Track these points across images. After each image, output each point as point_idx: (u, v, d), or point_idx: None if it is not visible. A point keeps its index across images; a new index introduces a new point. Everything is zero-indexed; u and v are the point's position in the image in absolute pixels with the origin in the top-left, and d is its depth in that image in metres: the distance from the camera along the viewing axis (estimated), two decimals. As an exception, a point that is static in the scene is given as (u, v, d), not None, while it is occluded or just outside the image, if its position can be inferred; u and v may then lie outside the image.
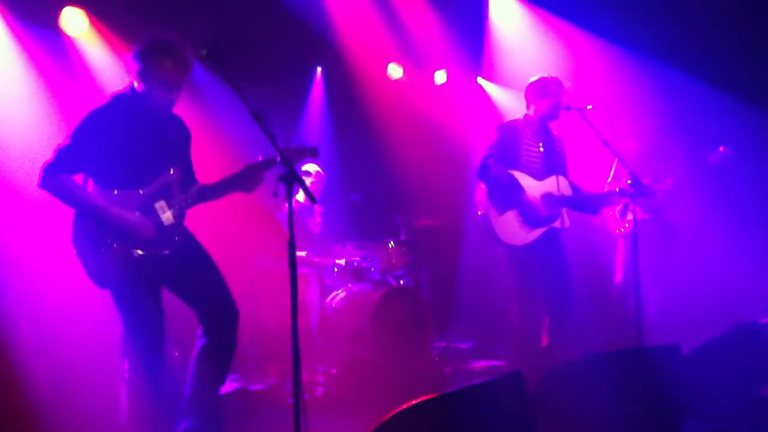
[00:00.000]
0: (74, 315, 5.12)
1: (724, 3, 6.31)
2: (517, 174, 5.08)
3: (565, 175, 5.27)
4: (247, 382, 5.91)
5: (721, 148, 5.55)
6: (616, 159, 5.43)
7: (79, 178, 3.86)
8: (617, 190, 5.11)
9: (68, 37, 6.13)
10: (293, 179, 3.39)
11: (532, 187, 5.09)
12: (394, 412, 2.91)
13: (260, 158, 4.03)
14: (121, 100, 3.93)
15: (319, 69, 8.20)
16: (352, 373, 5.95)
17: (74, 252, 3.81)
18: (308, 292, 6.25)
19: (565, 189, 5.21)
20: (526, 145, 5.17)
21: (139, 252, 3.81)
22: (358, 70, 7.77)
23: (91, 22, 6.15)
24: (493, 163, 5.02)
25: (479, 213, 5.18)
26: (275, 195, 3.38)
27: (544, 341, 5.12)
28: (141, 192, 3.86)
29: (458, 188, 7.50)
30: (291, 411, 3.25)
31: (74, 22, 6.08)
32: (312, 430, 3.34)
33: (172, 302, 4.00)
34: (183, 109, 4.22)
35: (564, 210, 5.21)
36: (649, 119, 6.22)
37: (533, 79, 5.30)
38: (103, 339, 4.80)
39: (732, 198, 6.28)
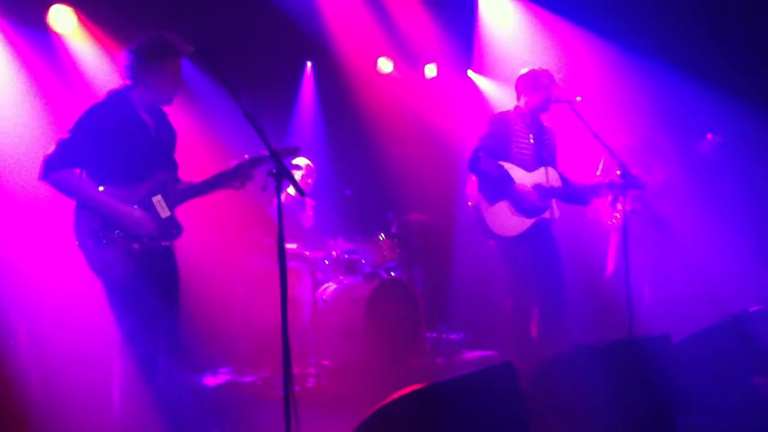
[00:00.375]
0: (67, 314, 5.12)
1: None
2: (508, 165, 5.09)
3: (554, 166, 5.29)
4: (240, 375, 5.93)
5: (710, 136, 5.56)
6: (606, 151, 5.45)
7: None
8: (607, 181, 5.13)
9: (56, 35, 6.10)
10: (282, 174, 3.40)
11: (523, 178, 5.11)
12: (384, 402, 2.93)
13: (247, 157, 4.11)
14: (117, 97, 3.99)
15: (309, 64, 8.19)
16: (343, 366, 5.97)
17: (76, 244, 3.85)
18: (300, 285, 6.27)
19: (555, 180, 5.23)
20: (516, 137, 5.18)
21: (137, 246, 3.87)
22: (348, 64, 7.76)
23: (80, 19, 6.13)
24: (484, 155, 5.02)
25: (470, 204, 5.20)
26: (264, 189, 3.40)
27: (534, 332, 5.13)
28: (139, 187, 3.93)
29: (449, 181, 7.50)
30: (282, 403, 3.26)
31: (62, 19, 6.06)
32: (303, 422, 3.34)
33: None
34: (174, 105, 4.24)
35: (553, 201, 5.23)
36: (638, 111, 6.24)
37: (524, 71, 5.31)
38: (96, 338, 4.80)
39: (722, 189, 6.31)
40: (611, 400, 3.65)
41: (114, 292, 3.87)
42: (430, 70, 8.26)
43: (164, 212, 4.00)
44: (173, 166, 4.16)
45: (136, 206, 3.89)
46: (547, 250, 5.20)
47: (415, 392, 2.97)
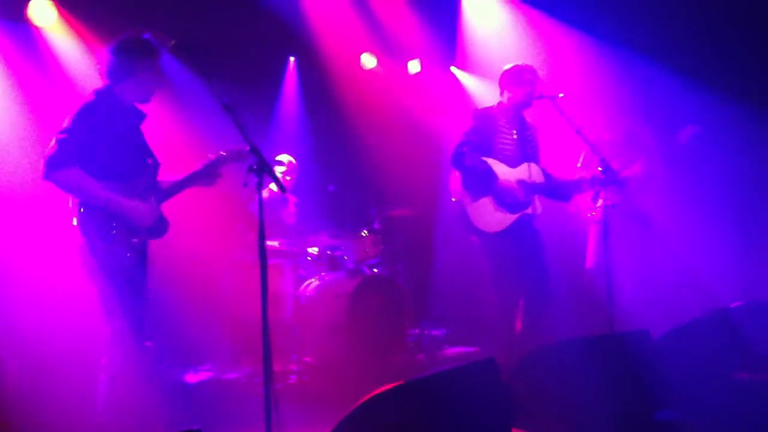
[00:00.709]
0: (52, 313, 5.08)
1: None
2: (491, 161, 5.09)
3: (537, 162, 5.30)
4: (221, 372, 5.91)
5: (689, 128, 5.59)
6: (587, 146, 5.46)
7: None
8: (589, 177, 5.14)
9: (36, 28, 6.05)
10: (263, 170, 3.39)
11: (506, 174, 5.11)
12: (366, 399, 2.92)
13: (212, 156, 4.25)
14: (107, 95, 4.04)
15: (291, 59, 8.17)
16: (326, 362, 5.97)
17: (83, 240, 3.88)
18: (282, 282, 6.25)
19: (537, 176, 5.23)
20: (500, 133, 5.18)
21: (136, 240, 4.00)
22: (332, 60, 7.75)
23: (60, 12, 6.08)
24: (468, 150, 5.01)
25: (453, 200, 5.20)
26: (245, 185, 3.39)
27: (518, 327, 5.14)
28: (135, 183, 4.04)
29: (432, 177, 7.50)
30: (263, 400, 3.25)
31: (42, 12, 6.00)
32: (285, 419, 3.34)
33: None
34: (155, 100, 4.25)
35: (536, 197, 5.24)
36: (618, 104, 6.26)
37: (507, 66, 5.31)
38: (79, 337, 4.77)
39: (703, 181, 6.33)
40: (592, 394, 3.66)
41: (117, 285, 3.92)
42: (414, 66, 8.26)
43: (156, 209, 4.14)
44: (157, 163, 4.24)
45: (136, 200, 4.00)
46: (531, 246, 5.21)
47: (396, 388, 2.96)
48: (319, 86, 7.94)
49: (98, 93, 4.03)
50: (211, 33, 6.55)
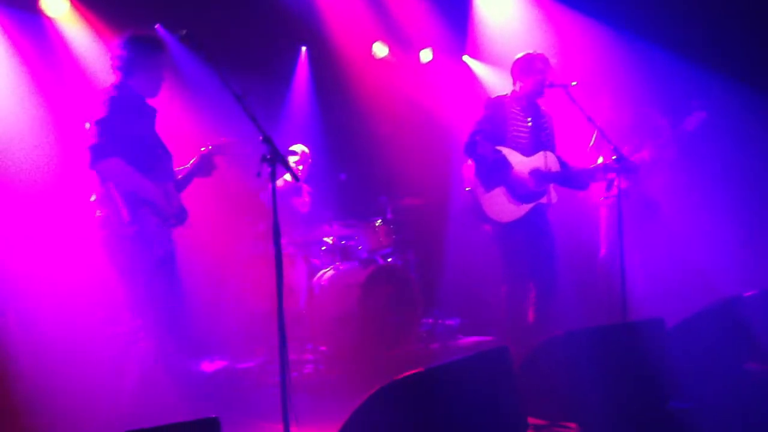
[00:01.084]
0: (65, 310, 5.10)
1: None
2: (505, 150, 5.07)
3: (553, 150, 5.28)
4: (236, 361, 5.93)
5: (696, 112, 5.55)
6: (599, 133, 5.44)
7: None
8: (603, 165, 5.12)
9: (49, 19, 6.06)
10: (276, 160, 3.40)
11: (520, 163, 5.10)
12: (380, 387, 2.93)
13: (204, 150, 4.40)
14: (127, 89, 4.12)
15: (303, 49, 8.15)
16: (340, 352, 5.98)
17: (133, 229, 3.96)
18: (295, 272, 6.27)
19: (553, 164, 5.22)
20: (513, 121, 5.17)
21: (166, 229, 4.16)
22: (343, 49, 7.74)
23: (72, 3, 6.09)
24: (481, 139, 5.00)
25: (467, 189, 5.19)
26: (258, 175, 3.39)
27: (531, 317, 5.14)
28: (161, 173, 4.16)
29: (444, 166, 7.49)
30: (279, 389, 3.27)
31: (55, 3, 6.01)
32: (300, 408, 3.36)
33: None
34: (165, 90, 4.28)
35: (551, 186, 5.22)
36: (627, 91, 6.22)
37: (519, 55, 5.29)
38: (92, 332, 4.81)
39: (712, 169, 6.30)
40: (604, 383, 3.67)
41: (163, 273, 4.06)
42: (426, 55, 8.23)
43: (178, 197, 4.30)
44: (169, 153, 4.33)
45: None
46: (543, 236, 5.20)
47: (410, 377, 2.98)
48: (331, 76, 7.93)
49: (121, 87, 4.10)
50: (222, 23, 6.55)
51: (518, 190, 5.07)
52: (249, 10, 6.94)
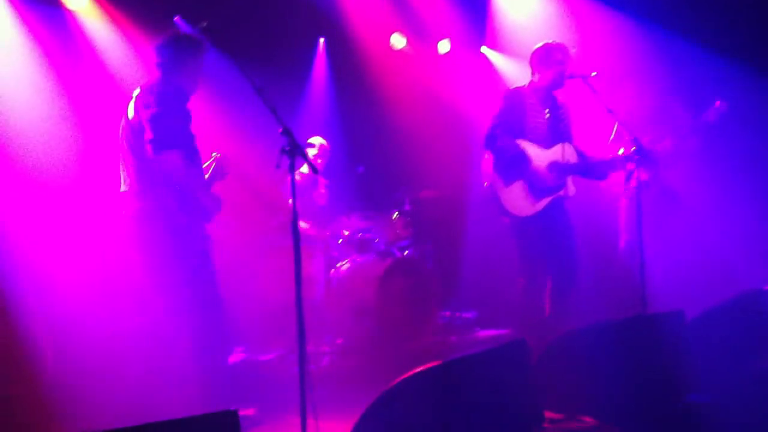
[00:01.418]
0: (94, 302, 5.14)
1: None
2: (524, 143, 5.06)
3: (570, 142, 5.25)
4: (255, 353, 5.96)
5: (717, 103, 5.50)
6: (618, 124, 5.40)
7: None
8: (623, 156, 5.09)
9: (69, 12, 6.10)
10: (296, 152, 3.40)
11: (539, 156, 5.08)
12: (398, 380, 2.94)
13: (214, 162, 4.51)
14: (167, 86, 4.16)
15: (321, 40, 8.15)
16: (357, 344, 6.00)
17: (183, 220, 4.08)
18: (313, 264, 6.28)
19: (571, 156, 5.19)
20: (531, 113, 5.15)
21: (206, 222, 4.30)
22: (361, 40, 7.73)
23: (93, -4, 6.13)
24: (501, 133, 4.99)
25: (485, 184, 5.17)
26: (277, 167, 3.40)
27: (548, 310, 5.13)
28: (199, 170, 4.28)
29: (462, 158, 7.48)
30: (297, 380, 3.28)
31: (75, -4, 6.06)
32: (318, 399, 3.37)
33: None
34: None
35: (570, 178, 5.20)
36: (648, 81, 6.18)
37: (538, 46, 5.25)
38: (123, 329, 4.84)
39: (732, 160, 6.25)
40: (623, 376, 3.65)
41: (199, 263, 4.14)
42: (444, 46, 8.20)
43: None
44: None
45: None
46: (562, 229, 5.18)
47: (428, 370, 2.98)
48: (349, 67, 7.92)
49: (163, 83, 4.15)
50: (240, 15, 6.56)
51: (537, 185, 5.06)
52: (267, 1, 6.94)
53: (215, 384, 4.08)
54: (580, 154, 5.25)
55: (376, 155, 7.61)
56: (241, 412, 2.60)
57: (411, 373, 2.97)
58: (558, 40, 5.28)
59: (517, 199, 5.06)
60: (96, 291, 5.14)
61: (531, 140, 5.08)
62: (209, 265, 4.22)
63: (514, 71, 7.49)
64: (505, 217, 5.20)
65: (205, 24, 3.86)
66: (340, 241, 6.59)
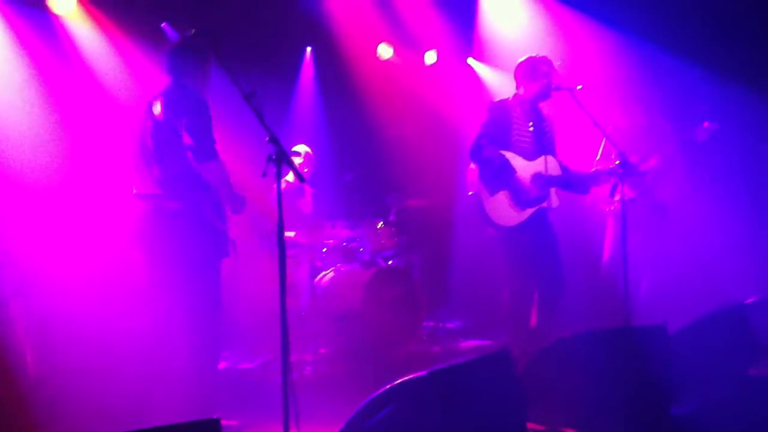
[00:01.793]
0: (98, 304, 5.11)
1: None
2: (509, 154, 5.08)
3: (554, 154, 5.28)
4: (237, 361, 5.94)
5: (706, 124, 5.56)
6: (605, 138, 5.43)
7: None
8: (606, 169, 5.13)
9: (56, 17, 6.07)
10: (282, 160, 3.40)
11: (523, 167, 5.10)
12: (381, 389, 2.94)
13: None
14: (183, 89, 4.16)
15: (308, 49, 8.17)
16: (341, 352, 5.99)
17: (221, 227, 4.13)
18: (298, 272, 6.27)
19: (554, 169, 5.22)
20: (516, 125, 5.17)
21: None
22: (348, 50, 7.74)
23: (80, 1, 6.10)
24: (486, 143, 5.01)
25: (470, 193, 5.19)
26: (264, 175, 3.39)
27: (533, 321, 5.14)
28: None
29: (449, 168, 7.49)
30: (280, 389, 3.27)
31: (62, 0, 6.02)
32: (301, 408, 3.36)
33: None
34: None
35: (553, 190, 5.22)
36: (636, 97, 6.23)
37: (522, 59, 5.28)
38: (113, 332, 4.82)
39: (720, 176, 6.30)
40: (607, 388, 3.67)
41: (216, 267, 4.18)
42: (430, 57, 8.24)
43: None
44: None
45: None
46: (546, 240, 5.20)
47: (412, 379, 2.98)
48: (336, 76, 7.93)
49: (179, 87, 4.17)
50: (228, 23, 6.56)
51: (521, 196, 5.08)
52: (255, 10, 6.94)
53: (206, 390, 4.06)
54: (563, 168, 5.28)
55: (362, 164, 7.61)
56: (224, 422, 2.58)
57: (395, 382, 2.97)
58: (544, 53, 5.31)
59: (502, 209, 5.08)
60: (89, 292, 5.11)
61: (515, 152, 5.11)
62: (221, 268, 4.27)
63: (499, 83, 7.53)
64: (489, 227, 5.22)
65: (193, 31, 3.84)
66: (325, 249, 6.58)
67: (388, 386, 2.97)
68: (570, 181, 5.27)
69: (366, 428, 2.92)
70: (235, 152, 5.73)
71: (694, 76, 6.26)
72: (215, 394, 4.20)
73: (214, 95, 5.22)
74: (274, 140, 3.41)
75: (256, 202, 6.31)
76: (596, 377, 3.70)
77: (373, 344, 5.96)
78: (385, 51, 8.08)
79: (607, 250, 6.00)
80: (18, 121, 5.55)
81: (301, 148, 6.73)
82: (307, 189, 6.83)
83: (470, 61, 8.17)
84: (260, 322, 5.97)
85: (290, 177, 6.49)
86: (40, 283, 5.04)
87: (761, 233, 6.39)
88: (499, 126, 5.12)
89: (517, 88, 5.29)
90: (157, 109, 4.13)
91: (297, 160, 6.60)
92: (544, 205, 5.17)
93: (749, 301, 4.49)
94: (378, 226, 6.61)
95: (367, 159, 7.81)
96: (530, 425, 3.70)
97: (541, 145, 5.21)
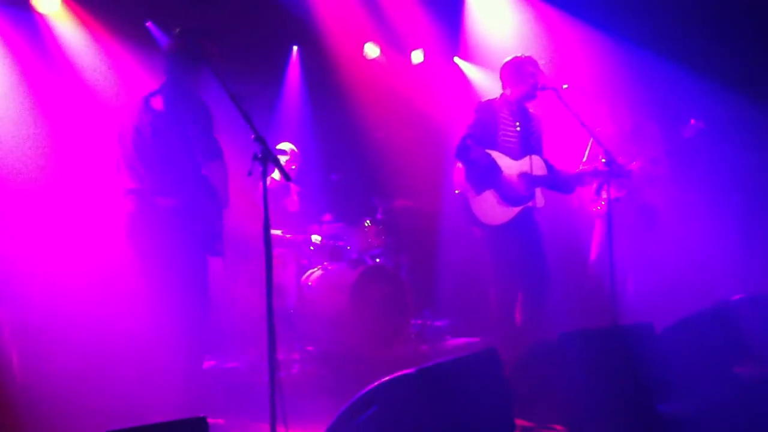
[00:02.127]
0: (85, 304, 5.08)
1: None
2: (495, 154, 5.09)
3: (540, 154, 5.29)
4: (224, 361, 5.92)
5: (693, 122, 5.57)
6: (592, 138, 5.45)
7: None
8: (592, 169, 5.14)
9: (40, 16, 6.03)
10: (268, 158, 3.38)
11: (509, 167, 5.11)
12: (369, 388, 2.93)
13: None
14: (177, 88, 4.16)
15: (295, 48, 8.15)
16: (328, 352, 5.98)
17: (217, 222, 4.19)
18: (284, 271, 6.25)
19: (540, 168, 5.23)
20: (503, 125, 5.18)
21: None
22: (335, 49, 7.73)
23: (64, 0, 6.07)
24: (472, 143, 5.02)
25: (456, 192, 5.20)
26: (249, 174, 3.38)
27: (520, 320, 5.15)
28: None
29: (435, 168, 7.49)
30: (267, 388, 3.26)
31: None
32: (289, 407, 3.35)
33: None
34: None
35: (539, 190, 5.23)
36: (623, 97, 6.24)
37: (507, 59, 5.28)
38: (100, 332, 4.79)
39: (707, 176, 6.33)
40: (594, 386, 3.68)
41: (204, 265, 4.17)
42: (417, 56, 8.23)
43: None
44: None
45: None
46: (532, 239, 5.21)
47: (400, 378, 2.97)
48: (322, 75, 7.93)
49: (180, 88, 4.15)
50: (213, 22, 6.52)
51: (508, 194, 5.08)
52: (240, 9, 6.92)
53: (193, 388, 4.04)
54: (549, 167, 5.29)
55: (349, 163, 7.61)
56: (211, 420, 2.57)
57: (382, 380, 2.96)
58: (530, 53, 5.32)
59: (488, 208, 5.09)
60: (75, 292, 5.07)
61: (501, 152, 5.12)
62: (210, 267, 4.26)
63: (486, 82, 7.53)
64: (476, 227, 5.22)
65: (178, 30, 3.82)
66: (312, 248, 6.57)
67: (375, 384, 2.96)
68: (556, 181, 5.28)
69: (353, 426, 2.91)
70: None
71: (680, 77, 6.28)
72: (202, 393, 4.18)
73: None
74: (259, 139, 3.40)
75: (242, 201, 6.30)
76: (584, 375, 3.71)
77: (360, 343, 5.96)
78: (371, 50, 8.07)
79: (595, 250, 6.02)
80: (2, 120, 5.50)
81: (286, 145, 6.71)
82: (293, 187, 6.82)
83: (457, 60, 8.18)
84: (248, 321, 5.95)
85: (276, 175, 6.47)
86: (25, 283, 5.00)
87: (748, 232, 6.43)
88: (486, 126, 5.13)
89: (504, 88, 5.29)
90: (158, 104, 4.09)
91: (283, 159, 6.57)
92: (530, 204, 5.18)
93: (736, 299, 4.51)
94: (365, 225, 6.60)
95: (353, 158, 7.81)
96: (518, 422, 3.71)
97: (527, 144, 5.22)
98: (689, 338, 4.19)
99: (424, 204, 7.46)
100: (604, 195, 4.93)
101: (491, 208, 5.09)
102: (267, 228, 3.37)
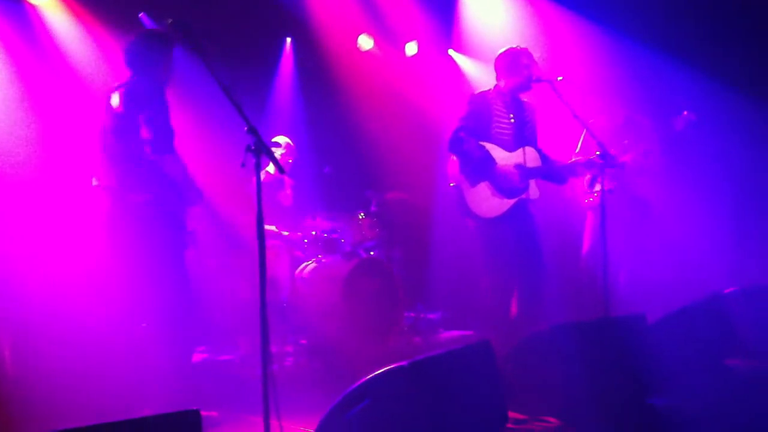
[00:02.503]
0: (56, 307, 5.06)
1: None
2: (489, 146, 5.08)
3: (534, 145, 5.28)
4: (217, 353, 5.92)
5: (685, 113, 5.58)
6: (585, 130, 5.45)
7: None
8: (585, 160, 5.14)
9: (32, 6, 6.00)
10: (261, 151, 3.37)
11: (503, 158, 5.10)
12: (362, 380, 2.93)
13: None
14: (142, 84, 4.21)
15: (288, 40, 8.12)
16: (321, 344, 5.98)
17: (179, 216, 4.24)
18: (278, 264, 6.24)
19: (533, 160, 5.22)
20: (497, 117, 5.17)
21: None
22: (328, 41, 7.71)
23: (55, -10, 6.04)
24: (465, 135, 5.01)
25: (451, 184, 5.19)
26: (243, 166, 3.36)
27: (514, 312, 5.15)
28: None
29: (429, 160, 7.48)
30: (261, 380, 3.26)
31: (38, -10, 5.96)
32: (282, 400, 3.35)
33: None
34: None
35: (533, 181, 5.23)
36: (616, 89, 6.25)
37: (501, 51, 5.27)
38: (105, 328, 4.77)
39: (699, 168, 6.34)
40: (586, 378, 3.69)
41: (185, 258, 4.26)
42: (411, 48, 8.21)
43: None
44: None
45: None
46: (526, 231, 5.21)
47: (393, 370, 2.97)
48: (316, 67, 7.90)
49: (142, 82, 4.17)
50: (206, 13, 6.50)
51: (503, 185, 5.08)
52: (233, 0, 6.89)
53: (183, 381, 4.05)
54: (543, 158, 5.28)
55: (342, 156, 7.59)
56: (204, 413, 2.56)
57: (375, 373, 2.96)
58: (524, 45, 5.31)
59: (483, 200, 5.08)
60: (56, 288, 5.05)
61: (495, 143, 5.11)
62: (186, 260, 4.29)
63: (480, 74, 7.53)
64: (469, 219, 5.21)
65: (170, 21, 3.80)
66: (306, 241, 6.56)
67: (369, 377, 2.96)
68: (549, 172, 5.28)
69: (347, 418, 2.91)
70: (213, 143, 5.71)
71: (673, 70, 6.28)
72: (194, 385, 4.18)
73: (192, 85, 5.20)
74: (252, 130, 3.38)
75: (232, 194, 6.29)
76: (576, 367, 3.72)
77: (353, 335, 5.96)
78: (365, 42, 8.04)
79: (587, 242, 6.02)
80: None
81: (282, 139, 6.69)
82: (287, 181, 6.80)
83: (451, 52, 8.16)
84: (241, 314, 5.94)
85: (270, 169, 6.45)
86: (13, 280, 4.98)
87: (740, 224, 6.45)
88: (480, 118, 5.12)
89: (498, 80, 5.29)
90: (116, 101, 4.13)
91: (277, 152, 6.55)
92: (524, 196, 5.18)
93: (728, 291, 4.52)
94: (359, 217, 6.59)
95: (346, 151, 7.79)
96: (511, 414, 3.71)
97: (521, 136, 5.22)
98: (681, 330, 4.20)
99: (417, 196, 7.46)
100: (597, 187, 4.94)
101: (486, 200, 5.09)
102: (261, 220, 3.36)
